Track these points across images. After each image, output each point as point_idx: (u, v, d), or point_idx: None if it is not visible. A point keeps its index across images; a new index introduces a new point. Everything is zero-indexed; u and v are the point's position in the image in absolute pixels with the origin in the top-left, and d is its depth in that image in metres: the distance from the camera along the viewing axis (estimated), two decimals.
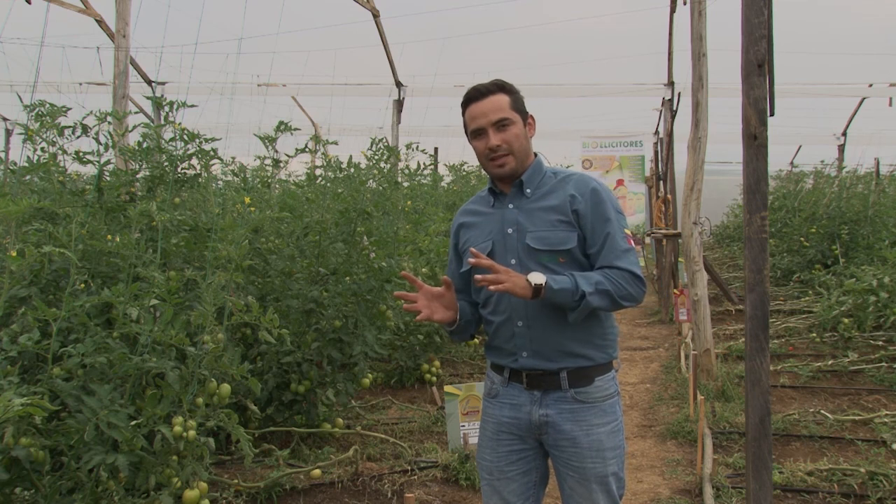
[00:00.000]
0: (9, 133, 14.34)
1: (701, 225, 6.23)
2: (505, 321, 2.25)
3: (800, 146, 17.49)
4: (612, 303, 2.15)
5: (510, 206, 2.29)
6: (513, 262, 2.22)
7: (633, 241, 2.26)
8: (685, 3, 6.33)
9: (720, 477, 4.04)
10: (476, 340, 6.46)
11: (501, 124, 2.23)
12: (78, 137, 3.92)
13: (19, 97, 11.18)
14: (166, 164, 4.14)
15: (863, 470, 3.98)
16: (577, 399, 2.21)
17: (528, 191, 2.28)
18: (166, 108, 4.12)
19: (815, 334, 7.04)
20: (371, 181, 4.75)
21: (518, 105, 2.27)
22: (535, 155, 2.34)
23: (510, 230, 2.25)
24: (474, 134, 2.28)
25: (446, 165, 11.34)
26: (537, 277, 2.08)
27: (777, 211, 12.00)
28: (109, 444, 2.84)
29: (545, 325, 2.19)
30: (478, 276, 2.09)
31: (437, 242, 5.99)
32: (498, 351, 2.31)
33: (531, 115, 2.32)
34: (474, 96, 2.26)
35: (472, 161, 12.56)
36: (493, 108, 2.23)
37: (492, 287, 2.06)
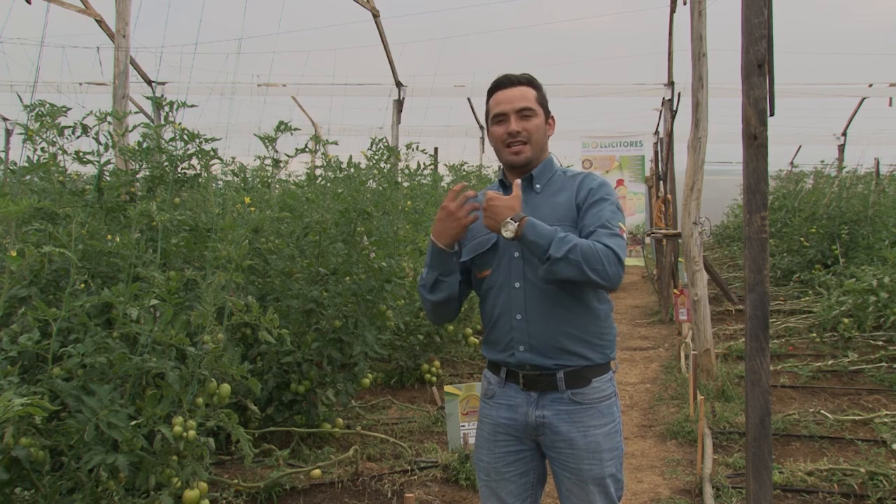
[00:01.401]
0: (9, 133, 14.35)
1: (701, 225, 6.23)
2: (503, 314, 2.25)
3: (800, 146, 17.50)
4: (580, 273, 2.06)
5: None
6: (516, 254, 2.24)
7: (624, 233, 2.24)
8: (685, 3, 6.33)
9: (720, 477, 4.04)
10: (476, 340, 6.47)
11: (524, 113, 2.26)
12: (78, 137, 3.92)
13: (19, 97, 11.19)
14: (166, 164, 4.14)
15: (863, 470, 3.98)
16: (574, 400, 2.21)
17: (538, 186, 2.30)
18: (166, 108, 4.12)
19: (815, 334, 7.04)
20: (371, 181, 4.75)
21: (543, 101, 2.32)
22: (549, 154, 2.38)
23: None
24: (496, 118, 2.29)
25: (446, 165, 11.33)
26: (510, 230, 2.09)
27: (777, 211, 12.00)
28: (109, 444, 2.83)
29: (544, 319, 2.19)
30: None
31: None
32: (495, 345, 2.30)
33: (552, 116, 2.36)
34: (503, 83, 2.30)
35: (472, 161, 12.58)
36: (519, 97, 2.27)
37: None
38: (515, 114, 2.25)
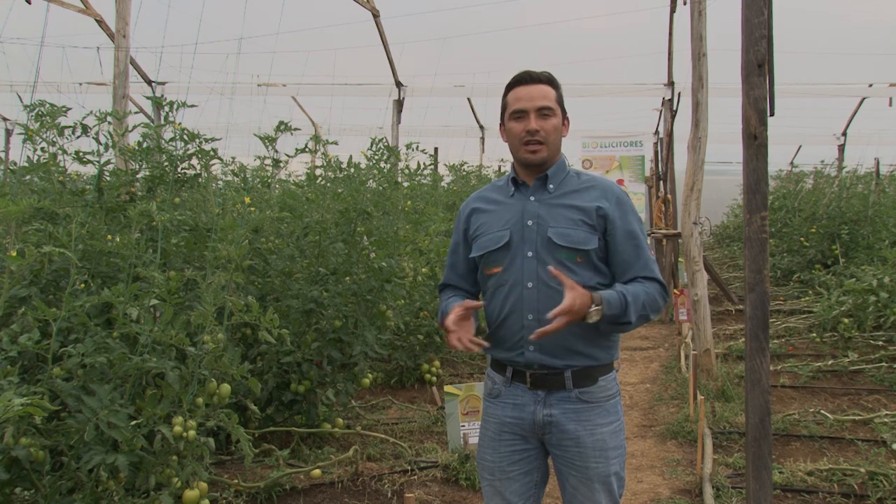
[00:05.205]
0: (9, 133, 14.35)
1: (701, 225, 6.23)
2: (513, 313, 2.25)
3: (800, 146, 17.49)
4: (646, 321, 2.24)
5: (532, 198, 2.29)
6: (529, 254, 2.23)
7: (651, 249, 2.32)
8: (685, 3, 6.33)
9: (720, 477, 4.04)
10: None
11: (544, 112, 2.26)
12: (78, 137, 3.92)
13: (19, 97, 11.19)
14: (166, 164, 4.14)
15: (863, 470, 3.98)
16: (582, 399, 2.22)
17: (552, 186, 2.30)
18: (166, 108, 4.12)
19: (815, 334, 7.04)
20: (371, 181, 4.75)
21: (561, 101, 2.32)
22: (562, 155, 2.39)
23: (530, 222, 2.26)
24: (514, 114, 2.28)
25: (446, 165, 11.35)
26: (596, 315, 2.11)
27: (777, 211, 12.00)
28: (109, 444, 2.83)
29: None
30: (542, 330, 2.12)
31: (437, 242, 5.98)
32: (502, 343, 2.29)
33: (567, 117, 2.36)
34: (524, 79, 2.29)
35: (472, 161, 12.58)
36: (540, 95, 2.26)
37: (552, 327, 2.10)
38: (535, 112, 2.25)
